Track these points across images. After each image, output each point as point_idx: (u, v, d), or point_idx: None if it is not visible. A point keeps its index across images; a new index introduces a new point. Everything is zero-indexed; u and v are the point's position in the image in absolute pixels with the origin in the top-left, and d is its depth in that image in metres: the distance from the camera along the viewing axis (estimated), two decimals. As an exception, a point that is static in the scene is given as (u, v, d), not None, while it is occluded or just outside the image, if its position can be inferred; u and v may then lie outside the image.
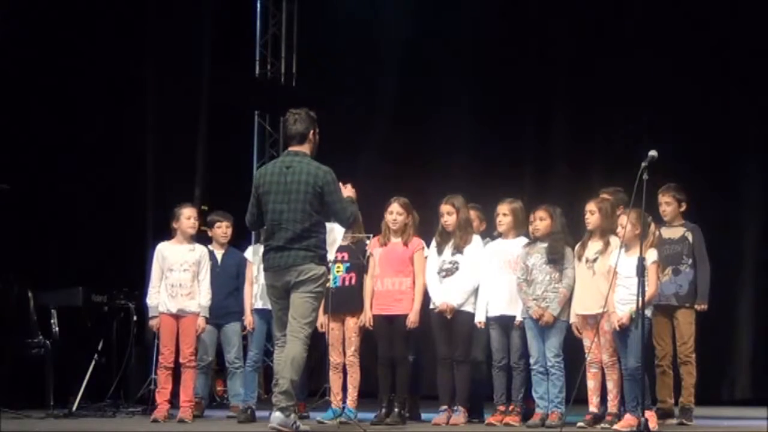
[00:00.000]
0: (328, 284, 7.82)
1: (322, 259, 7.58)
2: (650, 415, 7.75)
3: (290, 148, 7.74)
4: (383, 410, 8.60)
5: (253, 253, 9.15)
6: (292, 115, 7.73)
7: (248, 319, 9.14)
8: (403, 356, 8.61)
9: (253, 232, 11.17)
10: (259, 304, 9.06)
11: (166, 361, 8.69)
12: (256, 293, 9.09)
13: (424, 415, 9.08)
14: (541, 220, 8.48)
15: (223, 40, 12.23)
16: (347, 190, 7.84)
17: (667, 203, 8.76)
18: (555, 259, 8.37)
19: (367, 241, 8.77)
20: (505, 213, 8.64)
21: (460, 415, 8.50)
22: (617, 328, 7.94)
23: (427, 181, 11.57)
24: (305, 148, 7.70)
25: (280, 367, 7.52)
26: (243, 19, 13.17)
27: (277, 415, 7.34)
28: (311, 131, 7.72)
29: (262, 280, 8.95)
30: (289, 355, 7.42)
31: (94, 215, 10.81)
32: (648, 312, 7.85)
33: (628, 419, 7.91)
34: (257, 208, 7.69)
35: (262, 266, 8.88)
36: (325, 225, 7.69)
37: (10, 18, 10.27)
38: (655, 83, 11.68)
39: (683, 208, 8.80)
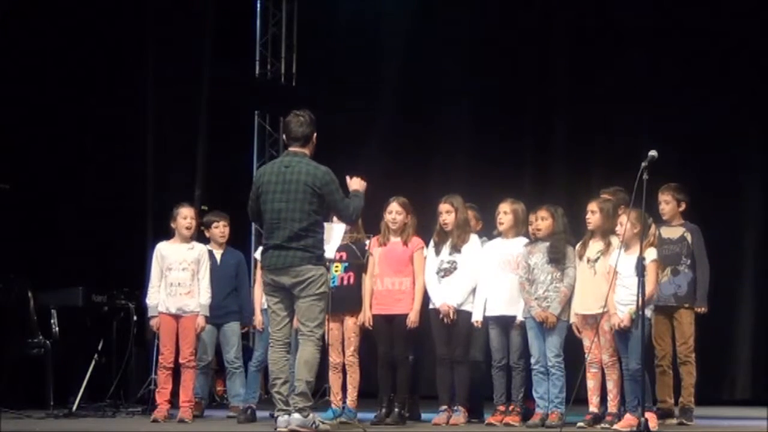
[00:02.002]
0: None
1: (319, 259, 7.60)
2: (650, 415, 7.74)
3: (291, 149, 7.77)
4: (383, 410, 8.60)
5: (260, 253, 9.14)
6: (296, 117, 7.75)
7: (258, 319, 9.12)
8: (403, 356, 8.61)
9: (253, 233, 11.17)
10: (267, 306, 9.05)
11: (166, 361, 8.68)
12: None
13: (424, 415, 9.07)
14: (543, 220, 8.47)
15: (223, 40, 12.23)
16: (354, 183, 7.89)
17: (666, 202, 8.75)
18: (557, 259, 8.37)
19: (367, 241, 8.77)
20: (506, 211, 8.63)
21: (460, 415, 8.50)
22: (618, 328, 7.93)
23: (427, 181, 11.59)
24: (306, 150, 7.75)
25: (276, 366, 7.56)
26: (243, 19, 13.17)
27: (296, 417, 7.39)
28: (314, 134, 7.77)
29: None
30: (302, 357, 7.49)
31: (95, 215, 10.82)
32: (648, 312, 7.85)
33: (628, 419, 7.90)
34: (257, 204, 7.73)
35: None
36: (323, 225, 7.71)
37: (11, 18, 10.26)
38: (655, 83, 11.69)
39: (682, 207, 8.79)
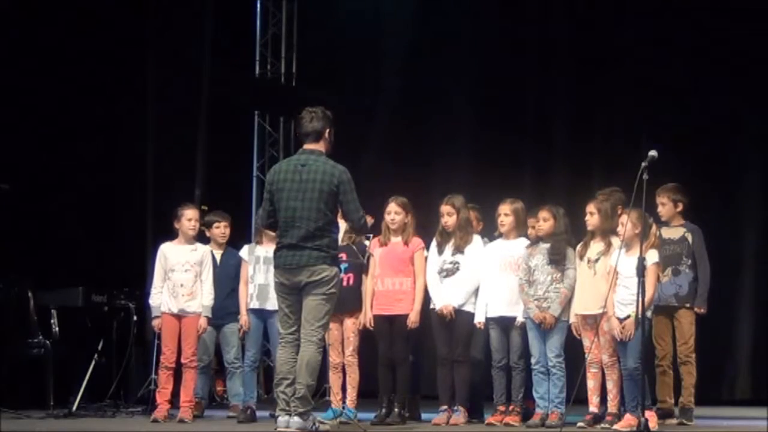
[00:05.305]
0: None
1: (334, 260, 7.53)
2: (650, 415, 7.75)
3: (305, 146, 7.65)
4: (383, 410, 8.60)
5: (248, 253, 9.14)
6: (308, 113, 7.64)
7: (243, 319, 9.12)
8: (403, 356, 8.61)
9: (253, 233, 11.18)
10: (255, 304, 9.05)
11: (167, 361, 8.68)
12: (252, 293, 9.07)
13: (424, 415, 9.08)
14: (545, 221, 8.47)
15: (223, 40, 12.23)
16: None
17: (663, 204, 8.76)
18: (557, 260, 8.37)
19: (367, 242, 8.77)
20: (506, 213, 8.63)
21: (460, 415, 8.50)
22: (622, 339, 7.90)
23: (427, 181, 11.59)
24: (320, 147, 7.61)
25: (285, 366, 7.48)
26: (243, 19, 13.17)
27: (295, 420, 7.33)
28: (327, 130, 7.63)
29: (257, 280, 9.01)
30: (303, 359, 7.40)
31: (95, 215, 10.82)
32: (648, 313, 7.85)
33: (628, 419, 7.91)
34: (271, 204, 7.61)
35: (257, 266, 8.97)
36: (338, 225, 7.67)
37: (10, 18, 10.26)
38: (655, 84, 11.69)
39: (679, 208, 8.79)
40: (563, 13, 12.30)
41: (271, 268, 8.73)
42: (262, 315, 9.03)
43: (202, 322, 8.76)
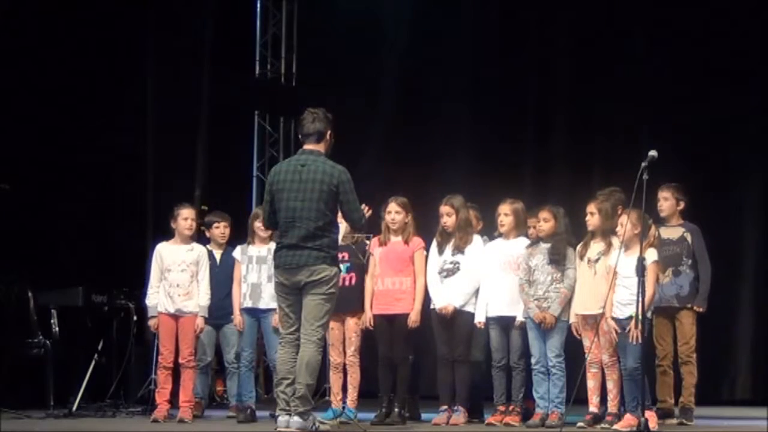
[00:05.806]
0: None
1: (334, 260, 7.53)
2: (650, 415, 7.74)
3: (305, 147, 7.67)
4: (383, 410, 8.60)
5: (241, 253, 9.14)
6: (310, 113, 7.66)
7: (237, 319, 9.12)
8: (403, 356, 8.61)
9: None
10: (248, 303, 9.04)
11: (165, 361, 8.68)
12: (244, 293, 9.06)
13: (424, 415, 9.08)
14: (545, 221, 8.47)
15: (223, 40, 12.23)
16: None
17: (665, 198, 8.75)
18: (557, 260, 8.37)
19: (367, 242, 8.77)
20: (506, 213, 8.64)
21: (460, 415, 8.50)
22: (632, 340, 7.88)
23: (427, 182, 11.58)
24: (320, 147, 7.63)
25: (285, 366, 7.47)
26: (243, 19, 13.17)
27: (295, 420, 7.34)
28: (328, 131, 7.66)
29: (250, 279, 9.02)
30: (303, 359, 7.40)
31: (94, 215, 10.82)
32: (647, 313, 7.84)
33: (628, 419, 7.91)
34: (271, 206, 7.62)
35: (250, 265, 9.00)
36: (338, 225, 7.68)
37: (11, 19, 10.26)
38: (655, 84, 11.69)
39: (681, 207, 8.79)
40: (564, 12, 12.29)
41: (264, 267, 8.85)
42: (255, 314, 9.03)
43: (199, 321, 8.76)
